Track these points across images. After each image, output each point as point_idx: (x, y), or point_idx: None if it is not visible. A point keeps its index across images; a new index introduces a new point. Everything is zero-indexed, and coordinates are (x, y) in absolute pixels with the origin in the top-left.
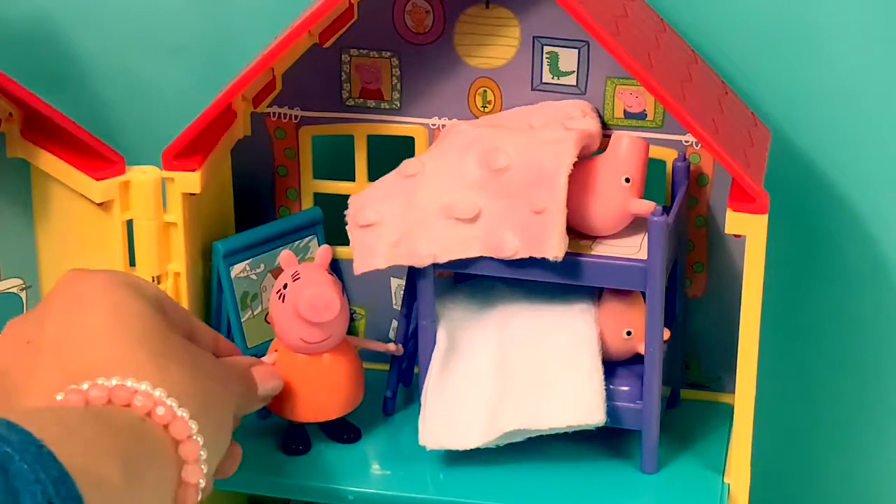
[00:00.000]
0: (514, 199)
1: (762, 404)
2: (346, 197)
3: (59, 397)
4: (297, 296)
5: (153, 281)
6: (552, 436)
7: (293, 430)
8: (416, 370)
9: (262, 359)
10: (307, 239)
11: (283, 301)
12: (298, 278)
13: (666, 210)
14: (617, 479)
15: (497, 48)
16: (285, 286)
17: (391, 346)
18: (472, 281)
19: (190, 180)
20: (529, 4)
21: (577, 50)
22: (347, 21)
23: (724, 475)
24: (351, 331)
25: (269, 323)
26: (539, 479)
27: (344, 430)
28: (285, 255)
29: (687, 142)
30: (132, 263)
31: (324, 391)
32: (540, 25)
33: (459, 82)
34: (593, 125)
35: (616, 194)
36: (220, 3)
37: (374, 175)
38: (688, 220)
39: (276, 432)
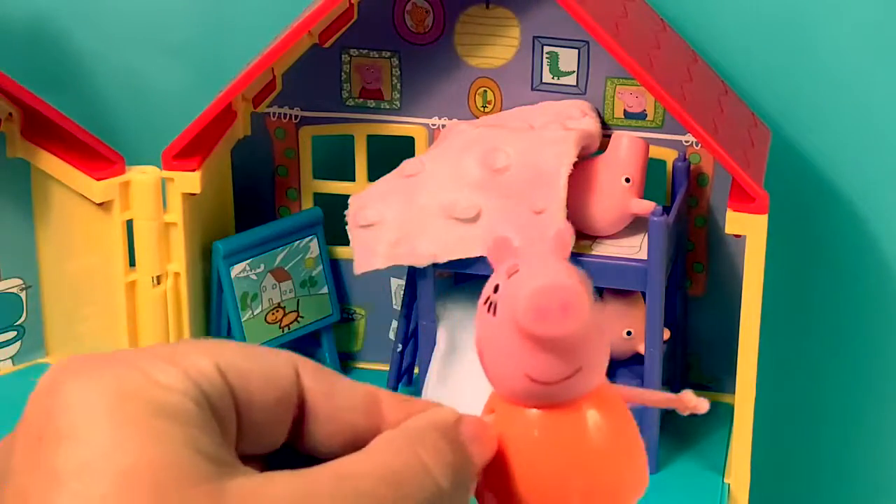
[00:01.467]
0: (514, 199)
1: (762, 404)
2: (346, 197)
3: None
4: (515, 297)
5: (154, 282)
6: None
7: None
8: (416, 370)
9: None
10: (307, 239)
11: (493, 313)
12: (517, 270)
13: (666, 210)
14: None
15: (497, 48)
16: (496, 289)
17: (699, 403)
18: (472, 281)
19: (190, 180)
20: (529, 4)
21: (577, 50)
22: (347, 21)
23: (724, 475)
24: (351, 332)
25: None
26: None
27: None
28: (497, 242)
29: (687, 142)
30: (132, 264)
31: (585, 476)
32: (540, 25)
33: (459, 82)
34: (593, 125)
35: (616, 194)
36: (220, 3)
37: (374, 175)
38: (688, 220)
39: None
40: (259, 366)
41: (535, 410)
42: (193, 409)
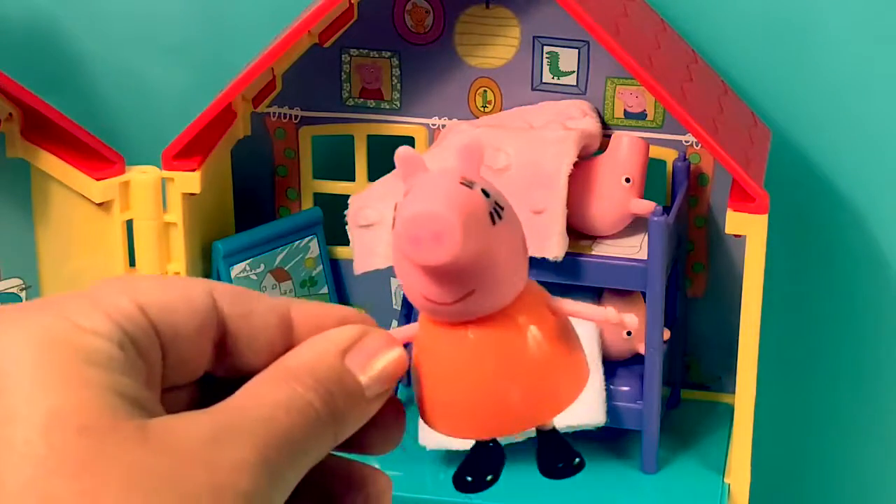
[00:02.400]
0: (514, 199)
1: (762, 404)
2: (346, 197)
3: None
4: (398, 222)
5: None
6: None
7: (480, 450)
8: None
9: (392, 330)
10: (307, 239)
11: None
12: (408, 191)
13: (666, 210)
14: (617, 479)
15: (497, 48)
16: (396, 207)
17: (623, 318)
18: None
19: (190, 180)
20: (529, 4)
21: (577, 50)
22: (347, 21)
23: (724, 475)
24: None
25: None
26: (539, 479)
27: (557, 453)
28: (404, 156)
29: (687, 142)
30: (132, 264)
31: (483, 386)
32: (540, 25)
33: (459, 82)
34: (593, 125)
35: (616, 194)
36: (220, 3)
37: (374, 175)
38: (688, 220)
39: None
40: (178, 297)
41: (446, 329)
42: (117, 353)
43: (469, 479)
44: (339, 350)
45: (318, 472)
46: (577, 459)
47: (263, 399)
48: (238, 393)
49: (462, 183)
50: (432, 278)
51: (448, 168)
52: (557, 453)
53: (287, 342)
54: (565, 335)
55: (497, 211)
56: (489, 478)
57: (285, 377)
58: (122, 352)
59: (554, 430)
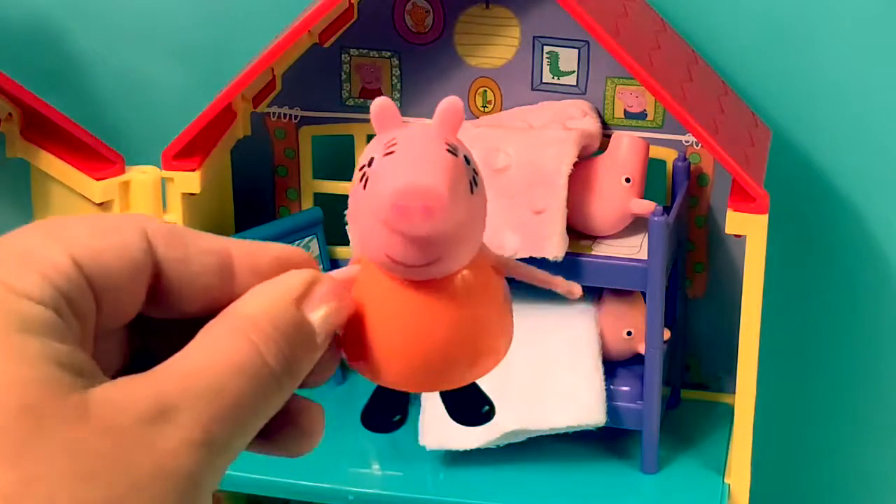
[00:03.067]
0: (515, 199)
1: (762, 404)
2: (346, 197)
3: None
4: (381, 187)
5: None
6: (552, 436)
7: (385, 390)
8: None
9: (332, 273)
10: (307, 239)
11: (364, 186)
12: (392, 152)
13: (666, 210)
14: (617, 479)
15: (497, 48)
16: (371, 162)
17: (572, 287)
18: None
19: (190, 180)
20: (529, 4)
21: (577, 50)
22: (347, 21)
23: (724, 475)
24: None
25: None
26: (539, 479)
27: (471, 401)
28: (381, 106)
29: (687, 142)
30: None
31: (428, 340)
32: (540, 25)
33: (459, 82)
34: (593, 125)
35: (616, 194)
36: (220, 3)
37: None
38: (688, 220)
39: None
40: (112, 245)
41: (393, 283)
42: (52, 318)
43: (379, 417)
44: (293, 298)
45: None
46: (488, 406)
47: (215, 360)
48: (189, 349)
49: (448, 150)
50: (405, 242)
51: (429, 128)
52: (470, 399)
53: (226, 285)
54: (504, 299)
55: (475, 179)
56: (397, 418)
57: (243, 328)
58: (58, 315)
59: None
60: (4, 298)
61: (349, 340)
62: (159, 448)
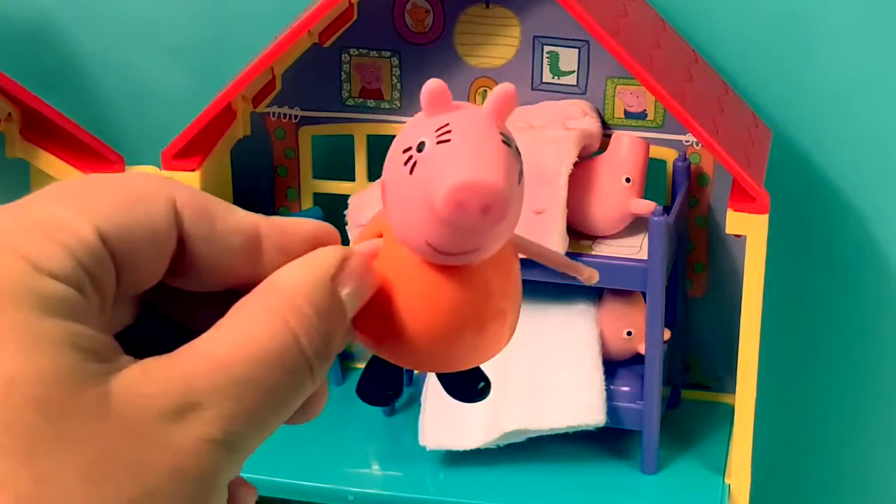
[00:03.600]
0: None
1: (762, 404)
2: (346, 197)
3: None
4: (436, 176)
5: None
6: (552, 436)
7: (379, 364)
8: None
9: (357, 247)
10: None
11: (410, 171)
12: (447, 139)
13: (666, 210)
14: (617, 480)
15: (497, 48)
16: (421, 147)
17: (592, 274)
18: None
19: (189, 180)
20: (530, 4)
21: (577, 50)
22: (347, 21)
23: (724, 476)
24: None
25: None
26: (539, 480)
27: (469, 377)
28: (433, 89)
29: (687, 142)
30: None
31: (449, 323)
32: (540, 25)
33: (459, 82)
34: (593, 125)
35: (616, 194)
36: (220, 2)
37: (374, 175)
38: (688, 220)
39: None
40: (139, 219)
41: (425, 265)
42: (75, 296)
43: (374, 389)
44: (331, 275)
45: None
46: (483, 383)
47: (249, 347)
48: (222, 329)
49: (503, 140)
50: (451, 233)
51: (482, 116)
52: (466, 375)
53: (252, 264)
54: (518, 281)
55: (522, 171)
56: (391, 392)
57: (280, 308)
58: (81, 294)
59: None
60: (24, 273)
61: (364, 315)
62: (179, 448)
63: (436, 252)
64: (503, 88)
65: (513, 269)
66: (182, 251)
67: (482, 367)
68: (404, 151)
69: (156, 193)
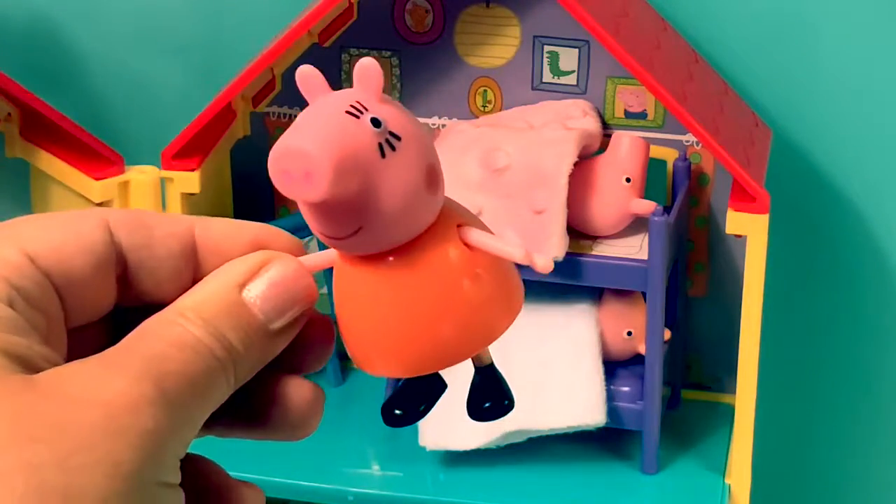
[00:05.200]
0: (515, 199)
1: (763, 405)
2: None
3: None
4: (271, 151)
5: None
6: (552, 436)
7: (413, 384)
8: None
9: (304, 258)
10: (306, 239)
11: None
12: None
13: (667, 210)
14: (617, 480)
15: (497, 48)
16: None
17: (541, 262)
18: None
19: (189, 180)
20: (530, 4)
21: (577, 49)
22: (347, 20)
23: (724, 476)
24: None
25: None
26: (539, 480)
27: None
28: (303, 75)
29: (688, 141)
30: None
31: (384, 323)
32: (540, 25)
33: (459, 82)
34: (594, 125)
35: (617, 194)
36: (220, 2)
37: None
38: (688, 220)
39: None
40: (68, 238)
41: (357, 260)
42: (3, 311)
43: (398, 412)
44: (236, 283)
45: (193, 482)
46: (507, 401)
47: (155, 337)
48: (128, 335)
49: (349, 112)
50: (316, 213)
51: (341, 93)
52: (487, 392)
53: (193, 267)
54: (488, 262)
55: (389, 142)
56: (422, 407)
57: (173, 316)
58: (11, 309)
59: (490, 366)
60: None
61: (345, 337)
62: (113, 406)
63: (329, 239)
64: (361, 62)
65: (451, 255)
66: (125, 266)
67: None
68: None
69: (85, 214)
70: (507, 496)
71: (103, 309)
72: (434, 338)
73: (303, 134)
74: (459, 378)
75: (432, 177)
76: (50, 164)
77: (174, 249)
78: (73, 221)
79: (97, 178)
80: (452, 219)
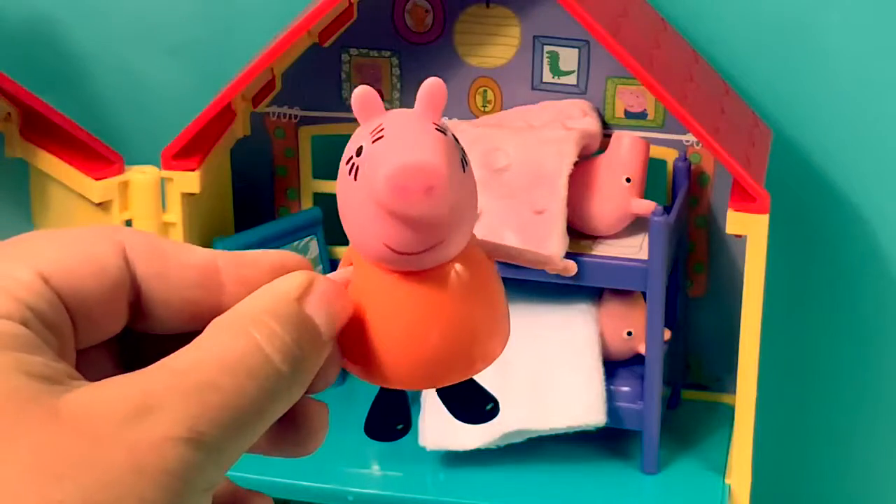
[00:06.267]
0: (515, 199)
1: (763, 405)
2: None
3: None
4: (376, 170)
5: None
6: (552, 436)
7: (385, 397)
8: None
9: (329, 275)
10: (307, 239)
11: (354, 177)
12: (381, 136)
13: (667, 210)
14: (617, 480)
15: (497, 48)
16: (360, 151)
17: (568, 265)
18: None
19: (189, 180)
20: (530, 4)
21: (577, 49)
22: (347, 21)
23: (725, 476)
24: None
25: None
26: (539, 480)
27: (474, 399)
28: (362, 95)
29: (688, 141)
30: None
31: (429, 335)
32: (540, 25)
33: (459, 82)
34: (594, 125)
35: (617, 194)
36: (220, 2)
37: None
38: (688, 220)
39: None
40: (83, 259)
41: (393, 276)
42: (20, 331)
43: (381, 425)
44: (295, 296)
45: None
46: (491, 405)
47: (209, 357)
48: (185, 348)
49: (437, 129)
50: (407, 227)
51: (413, 111)
52: (471, 397)
53: (212, 297)
54: (498, 286)
55: (464, 158)
56: (399, 427)
57: (243, 324)
58: (27, 328)
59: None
60: None
61: (345, 341)
62: (137, 445)
63: (398, 255)
64: (430, 83)
65: (486, 272)
66: (139, 292)
67: (484, 384)
68: (347, 162)
69: (99, 235)
70: (507, 496)
71: (113, 331)
72: (452, 350)
73: (416, 149)
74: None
75: (476, 194)
76: (50, 164)
77: (189, 280)
78: (89, 243)
79: (97, 178)
80: (473, 237)
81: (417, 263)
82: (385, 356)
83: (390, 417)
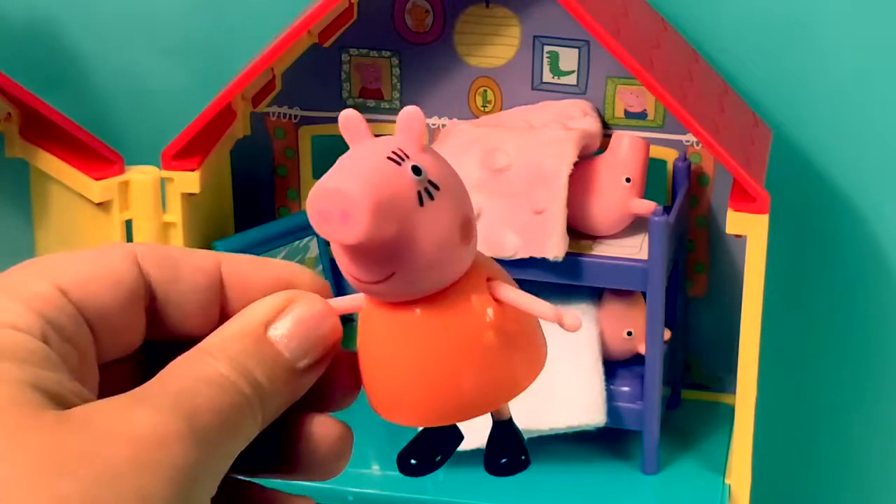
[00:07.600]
0: (515, 199)
1: (763, 405)
2: None
3: None
4: (311, 191)
5: None
6: (552, 436)
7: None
8: None
9: (333, 300)
10: (307, 239)
11: None
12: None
13: (667, 210)
14: (617, 480)
15: (497, 48)
16: None
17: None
18: None
19: (189, 180)
20: (530, 4)
21: (577, 49)
22: (347, 21)
23: (725, 476)
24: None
25: None
26: (539, 480)
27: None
28: (345, 119)
29: (688, 141)
30: None
31: (408, 372)
32: (540, 25)
33: (459, 82)
34: (594, 125)
35: (617, 194)
36: (220, 3)
37: None
38: (688, 220)
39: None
40: (99, 272)
41: (387, 311)
42: (37, 346)
43: (414, 462)
44: (261, 322)
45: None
46: (524, 457)
47: (182, 374)
48: (158, 374)
49: (391, 158)
50: (350, 256)
51: (384, 139)
52: (504, 447)
53: (220, 302)
54: (516, 317)
55: (428, 191)
56: (437, 458)
57: (199, 355)
58: (45, 343)
59: (509, 421)
60: None
61: (367, 385)
62: (141, 441)
63: (359, 283)
64: (406, 110)
65: (475, 309)
66: (154, 300)
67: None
68: None
69: (113, 248)
70: (507, 496)
71: (133, 344)
72: (457, 389)
73: (343, 175)
74: None
75: (467, 228)
76: (50, 164)
77: (201, 283)
78: (102, 255)
79: (97, 178)
80: (483, 272)
81: (384, 294)
82: (388, 392)
83: (432, 449)
